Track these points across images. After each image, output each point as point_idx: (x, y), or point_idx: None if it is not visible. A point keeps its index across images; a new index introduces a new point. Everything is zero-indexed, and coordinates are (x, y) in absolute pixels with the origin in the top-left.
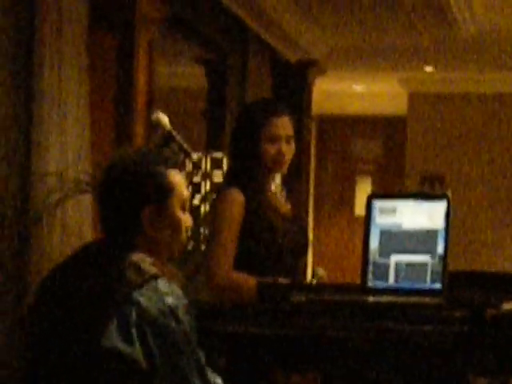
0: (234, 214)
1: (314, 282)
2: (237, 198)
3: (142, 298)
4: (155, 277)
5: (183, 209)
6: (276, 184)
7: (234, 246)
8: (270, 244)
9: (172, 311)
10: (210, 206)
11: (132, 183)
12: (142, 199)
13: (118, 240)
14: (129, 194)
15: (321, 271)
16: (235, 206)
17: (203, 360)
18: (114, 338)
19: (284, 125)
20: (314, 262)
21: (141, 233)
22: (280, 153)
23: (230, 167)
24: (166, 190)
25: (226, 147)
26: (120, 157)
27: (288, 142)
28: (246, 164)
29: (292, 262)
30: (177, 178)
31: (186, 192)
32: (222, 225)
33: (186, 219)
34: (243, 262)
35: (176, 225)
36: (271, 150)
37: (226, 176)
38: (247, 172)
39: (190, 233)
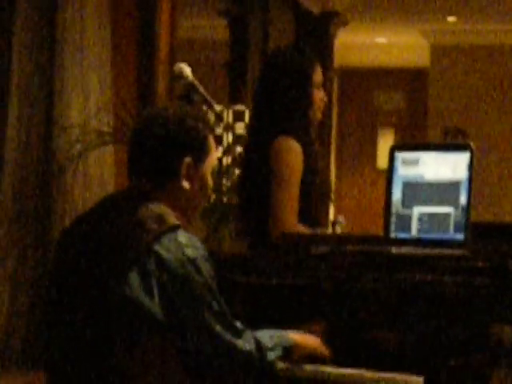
0: (298, 164)
1: (339, 229)
2: (297, 148)
3: (162, 248)
4: (175, 227)
5: (212, 175)
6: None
7: (297, 199)
8: (323, 195)
9: (191, 262)
10: (262, 154)
11: (178, 132)
12: (185, 148)
13: (145, 189)
14: (174, 141)
15: (341, 218)
16: (298, 156)
17: (226, 308)
18: (134, 288)
19: (321, 71)
20: (335, 214)
21: (173, 182)
22: (323, 99)
23: (275, 114)
24: (206, 149)
25: (249, 99)
26: (164, 107)
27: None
28: (299, 111)
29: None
30: (214, 143)
31: (216, 157)
32: (290, 175)
33: (211, 186)
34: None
35: (205, 185)
36: (318, 96)
37: (276, 123)
38: (301, 121)
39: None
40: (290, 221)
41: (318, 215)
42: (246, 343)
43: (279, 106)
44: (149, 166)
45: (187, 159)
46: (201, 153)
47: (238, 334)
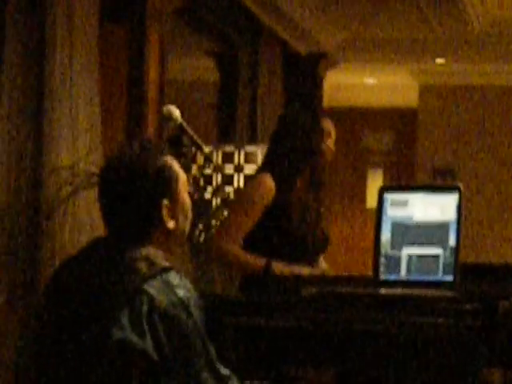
0: (260, 198)
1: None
2: (268, 183)
3: (153, 289)
4: (166, 269)
5: (186, 191)
6: None
7: (247, 229)
8: (288, 235)
9: (183, 303)
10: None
11: (145, 180)
12: (159, 195)
13: (131, 234)
14: (145, 191)
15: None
16: (263, 191)
17: (214, 353)
18: (125, 330)
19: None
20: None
21: (157, 226)
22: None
23: (273, 157)
24: (174, 178)
25: (237, 140)
26: (120, 156)
27: None
28: (299, 157)
29: (314, 256)
30: (175, 163)
31: (183, 174)
32: (244, 207)
33: (188, 199)
34: (261, 246)
35: (186, 209)
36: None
37: (268, 162)
38: (294, 164)
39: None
40: (225, 240)
41: (293, 254)
42: None
43: (284, 150)
44: (130, 219)
45: (164, 202)
46: (172, 186)
47: (223, 382)
